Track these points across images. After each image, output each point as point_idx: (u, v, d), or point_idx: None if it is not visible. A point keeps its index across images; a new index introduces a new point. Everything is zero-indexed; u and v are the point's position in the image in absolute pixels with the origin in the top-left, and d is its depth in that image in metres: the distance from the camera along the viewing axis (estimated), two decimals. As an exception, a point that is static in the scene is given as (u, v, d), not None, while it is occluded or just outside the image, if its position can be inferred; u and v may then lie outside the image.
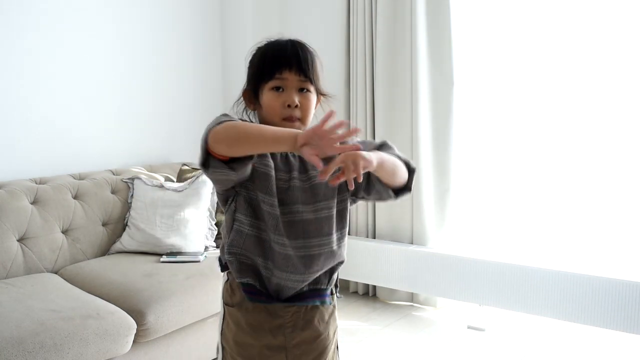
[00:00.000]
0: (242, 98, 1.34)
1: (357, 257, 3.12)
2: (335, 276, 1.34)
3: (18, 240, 2.40)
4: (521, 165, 2.95)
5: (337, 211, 1.29)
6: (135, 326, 2.03)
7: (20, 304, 1.96)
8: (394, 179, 1.23)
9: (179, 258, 2.52)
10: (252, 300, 1.27)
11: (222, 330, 1.36)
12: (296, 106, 1.22)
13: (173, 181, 2.97)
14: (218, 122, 1.16)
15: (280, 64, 1.22)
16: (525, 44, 2.85)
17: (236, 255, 1.26)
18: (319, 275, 1.29)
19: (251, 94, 1.29)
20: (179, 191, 2.74)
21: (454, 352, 2.66)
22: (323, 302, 1.32)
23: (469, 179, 3.04)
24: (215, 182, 1.29)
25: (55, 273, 2.44)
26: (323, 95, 1.31)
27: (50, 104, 2.78)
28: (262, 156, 1.23)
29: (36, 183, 2.60)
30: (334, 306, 1.37)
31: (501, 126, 2.98)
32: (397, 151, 1.29)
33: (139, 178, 2.80)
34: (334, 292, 1.37)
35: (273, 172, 1.24)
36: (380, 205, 3.17)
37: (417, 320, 3.02)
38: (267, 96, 1.24)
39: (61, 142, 2.83)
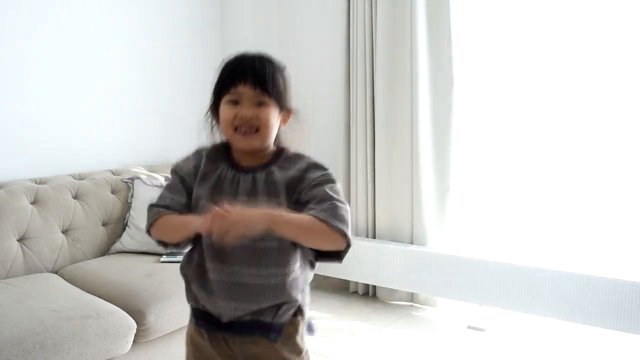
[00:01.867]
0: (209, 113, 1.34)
1: (357, 257, 3.11)
2: (284, 316, 1.26)
3: (18, 240, 2.40)
4: (521, 165, 2.95)
5: (270, 247, 1.22)
6: (135, 326, 2.03)
7: (20, 304, 1.96)
8: (313, 243, 1.21)
9: (179, 258, 2.50)
10: (198, 324, 1.32)
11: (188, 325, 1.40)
12: (251, 119, 1.21)
13: (173, 181, 2.96)
14: (151, 215, 1.28)
15: (235, 78, 1.22)
16: (525, 43, 2.85)
17: (183, 276, 1.34)
18: (263, 307, 1.23)
19: (213, 108, 1.30)
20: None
21: (454, 352, 2.65)
22: (267, 337, 1.26)
23: (469, 179, 3.04)
24: None
25: (55, 273, 2.44)
26: (286, 110, 1.28)
27: (50, 104, 2.78)
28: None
29: (36, 183, 2.60)
30: (297, 330, 1.30)
31: (501, 126, 2.98)
32: (335, 200, 1.20)
33: (139, 178, 2.80)
34: (299, 322, 1.30)
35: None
36: (380, 205, 3.17)
37: (417, 320, 3.01)
38: (223, 109, 1.25)
39: (61, 142, 2.83)
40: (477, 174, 3.05)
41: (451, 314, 3.07)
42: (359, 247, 3.12)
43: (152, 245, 2.60)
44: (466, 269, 2.80)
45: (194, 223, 1.14)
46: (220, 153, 1.30)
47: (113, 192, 2.77)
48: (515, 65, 2.89)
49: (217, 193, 1.24)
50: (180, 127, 3.41)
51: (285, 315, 1.27)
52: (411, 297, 3.21)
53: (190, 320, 1.36)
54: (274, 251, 1.22)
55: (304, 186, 1.23)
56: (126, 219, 2.72)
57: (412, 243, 3.09)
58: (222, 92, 1.25)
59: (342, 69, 3.26)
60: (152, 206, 1.29)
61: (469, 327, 2.89)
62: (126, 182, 2.81)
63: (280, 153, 1.29)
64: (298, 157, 1.29)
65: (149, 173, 2.97)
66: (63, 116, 2.83)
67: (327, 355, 2.54)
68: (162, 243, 1.29)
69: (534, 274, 2.62)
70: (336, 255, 1.24)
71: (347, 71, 3.27)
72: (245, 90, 1.21)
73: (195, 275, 1.28)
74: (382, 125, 3.10)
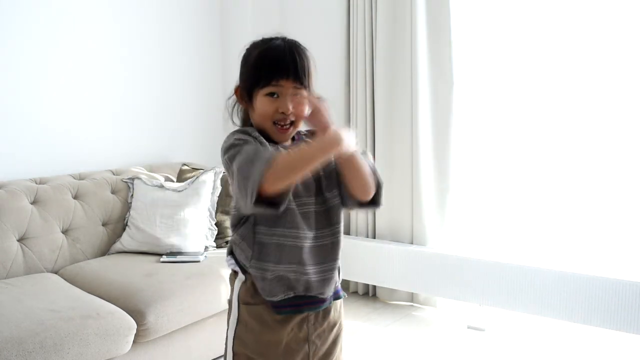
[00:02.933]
0: (233, 95, 1.34)
1: (357, 257, 3.12)
2: (340, 271, 1.39)
3: (18, 240, 2.40)
4: (521, 165, 2.95)
5: (334, 205, 1.33)
6: (135, 326, 2.03)
7: (20, 304, 1.96)
8: (360, 182, 1.27)
9: (179, 258, 2.52)
10: (280, 313, 1.29)
11: (235, 334, 1.33)
12: (291, 114, 1.24)
13: (173, 181, 2.97)
14: (264, 161, 1.12)
15: (277, 72, 1.23)
16: (525, 44, 2.85)
17: (261, 270, 1.27)
18: (335, 272, 1.34)
19: (244, 94, 1.30)
20: (179, 191, 2.74)
21: (454, 352, 2.66)
22: (339, 298, 1.38)
23: (468, 179, 3.04)
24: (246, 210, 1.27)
25: (55, 273, 2.44)
26: (315, 96, 1.30)
27: (50, 104, 2.78)
28: None
29: (36, 183, 2.60)
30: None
31: (501, 126, 2.98)
32: (371, 161, 1.33)
33: (139, 178, 2.80)
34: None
35: None
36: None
37: (417, 320, 3.01)
38: (262, 101, 1.25)
39: (61, 142, 2.83)
40: (477, 174, 3.06)
41: (451, 314, 3.07)
42: (359, 247, 3.12)
43: (152, 245, 2.62)
44: (466, 269, 2.80)
45: (331, 142, 1.15)
46: (254, 132, 1.28)
47: (113, 192, 2.77)
48: (515, 66, 2.89)
49: None
50: (180, 127, 3.41)
51: (341, 274, 1.38)
52: (411, 297, 3.21)
53: (243, 326, 1.33)
54: (336, 209, 1.33)
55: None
56: (126, 219, 2.72)
57: (412, 243, 3.09)
58: (257, 83, 1.24)
59: (342, 69, 3.26)
60: (257, 155, 1.16)
61: (468, 327, 2.89)
62: (126, 182, 2.81)
63: (298, 133, 1.35)
64: (312, 133, 1.35)
65: (149, 173, 2.97)
66: (63, 116, 2.83)
67: (327, 355, 2.54)
68: (277, 197, 1.15)
69: (534, 274, 2.62)
70: (375, 202, 1.33)
71: (347, 71, 3.27)
72: (286, 84, 1.23)
73: (282, 257, 1.27)
74: (382, 125, 3.10)
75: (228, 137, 1.27)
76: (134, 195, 2.75)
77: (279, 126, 1.26)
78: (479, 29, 2.95)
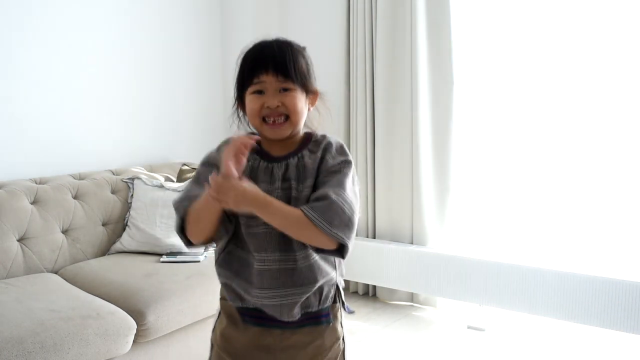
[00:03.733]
0: (236, 105, 1.32)
1: (357, 257, 3.11)
2: (329, 295, 1.29)
3: (18, 240, 2.40)
4: (521, 165, 2.95)
5: None
6: (135, 326, 2.03)
7: (20, 304, 1.96)
8: (300, 238, 1.18)
9: (179, 258, 2.52)
10: (242, 319, 1.26)
11: (214, 327, 1.37)
12: (278, 107, 1.20)
13: (173, 181, 2.97)
14: (179, 218, 1.23)
15: (257, 68, 1.20)
16: (525, 44, 2.85)
17: (220, 276, 1.28)
18: (308, 298, 1.23)
19: (238, 100, 1.29)
20: (179, 191, 2.74)
21: (454, 352, 2.66)
22: (320, 324, 1.29)
23: (469, 179, 3.04)
24: None
25: (55, 273, 2.44)
26: (312, 92, 1.26)
27: (50, 104, 2.78)
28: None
29: (36, 183, 2.60)
30: (336, 317, 1.34)
31: (501, 126, 2.98)
32: (339, 195, 1.17)
33: (139, 178, 2.80)
34: (339, 307, 1.34)
35: None
36: (380, 205, 3.17)
37: (417, 320, 3.01)
38: (249, 100, 1.23)
39: (61, 142, 2.83)
40: (477, 174, 3.06)
41: (451, 314, 3.07)
42: (359, 247, 3.12)
43: (152, 245, 2.62)
44: (466, 269, 2.80)
45: (206, 198, 1.13)
46: (216, 160, 1.27)
47: (113, 192, 2.77)
48: (515, 66, 2.89)
49: (270, 181, 1.23)
50: (180, 127, 3.41)
51: (329, 298, 1.28)
52: (411, 297, 3.21)
53: (220, 320, 1.34)
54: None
55: (323, 169, 1.22)
56: (126, 219, 2.72)
57: (412, 243, 3.09)
58: (245, 84, 1.23)
59: (342, 69, 3.26)
60: (178, 203, 1.24)
61: (469, 327, 2.89)
62: (126, 182, 2.81)
63: (309, 137, 1.28)
64: (324, 138, 1.28)
65: (149, 173, 2.97)
66: (63, 116, 2.83)
67: (327, 355, 2.54)
68: (199, 243, 1.23)
69: (534, 274, 2.62)
70: (336, 251, 1.20)
71: (347, 71, 3.27)
72: (268, 79, 1.19)
73: (238, 271, 1.24)
74: (382, 125, 3.10)
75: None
76: (134, 195, 2.75)
77: (270, 122, 1.22)
78: (479, 29, 2.95)
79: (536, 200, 2.93)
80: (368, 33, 3.10)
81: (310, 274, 1.22)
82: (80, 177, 2.77)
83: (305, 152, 1.25)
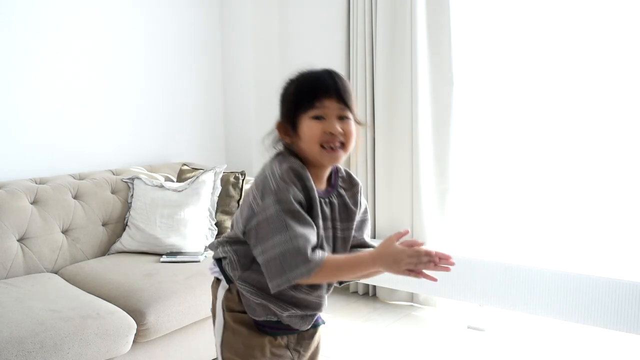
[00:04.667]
0: (275, 131, 1.31)
1: (357, 257, 3.11)
2: None
3: (18, 240, 2.40)
4: (521, 165, 2.95)
5: None
6: (135, 326, 2.03)
7: (20, 304, 1.96)
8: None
9: (179, 258, 2.52)
10: (259, 329, 1.32)
11: (223, 341, 1.34)
12: (340, 134, 1.22)
13: (173, 181, 2.97)
14: (313, 265, 1.16)
15: (319, 93, 1.22)
16: (525, 43, 2.85)
17: (249, 293, 1.29)
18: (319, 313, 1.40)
19: (287, 127, 1.27)
20: (179, 191, 2.74)
21: (454, 352, 2.66)
22: (319, 325, 1.44)
23: (468, 179, 3.04)
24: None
25: (55, 273, 2.44)
26: (359, 123, 1.29)
27: (50, 104, 2.78)
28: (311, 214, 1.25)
29: (36, 183, 2.60)
30: None
31: (501, 126, 2.98)
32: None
33: (139, 178, 2.80)
34: None
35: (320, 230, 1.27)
36: (380, 205, 3.17)
37: (417, 320, 3.01)
38: (307, 125, 1.22)
39: (61, 142, 2.83)
40: (477, 174, 3.06)
41: (451, 314, 3.07)
42: (359, 247, 3.11)
43: (152, 245, 2.62)
44: (466, 269, 2.80)
45: (374, 264, 1.16)
46: (306, 176, 1.25)
47: (113, 192, 2.77)
48: (514, 66, 2.89)
49: (323, 219, 1.27)
50: (180, 127, 3.41)
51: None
52: (411, 297, 3.21)
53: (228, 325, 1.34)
54: None
55: (360, 211, 1.37)
56: (126, 219, 2.72)
57: (412, 243, 3.08)
58: (301, 108, 1.23)
59: (342, 69, 3.26)
60: (301, 250, 1.16)
61: (468, 327, 2.89)
62: (126, 182, 2.81)
63: (334, 170, 1.35)
64: (350, 177, 1.37)
65: (149, 173, 2.97)
66: (63, 116, 2.83)
67: (327, 355, 2.54)
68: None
69: (534, 274, 2.62)
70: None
71: (347, 71, 3.27)
72: (330, 105, 1.22)
73: (279, 294, 1.27)
74: (382, 125, 3.10)
75: (270, 174, 1.22)
76: (134, 195, 2.75)
77: (328, 148, 1.23)
78: (479, 28, 2.95)
79: (536, 200, 2.93)
80: (368, 33, 3.10)
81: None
82: (80, 177, 2.77)
83: (341, 191, 1.33)
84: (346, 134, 1.23)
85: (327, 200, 1.29)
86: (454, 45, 2.88)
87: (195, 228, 2.69)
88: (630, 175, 2.66)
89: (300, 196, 1.21)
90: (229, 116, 3.63)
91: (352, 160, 3.24)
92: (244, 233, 1.26)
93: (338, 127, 1.22)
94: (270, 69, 3.56)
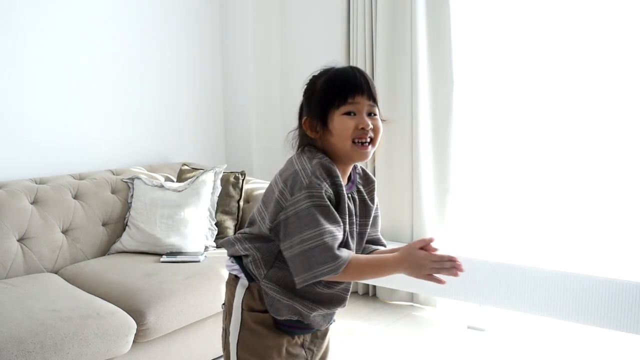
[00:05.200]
0: (301, 127, 1.33)
1: (357, 257, 3.11)
2: None
3: (18, 240, 2.40)
4: (521, 166, 2.95)
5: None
6: (135, 326, 2.03)
7: (20, 304, 1.96)
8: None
9: (179, 258, 2.52)
10: (279, 327, 1.33)
11: (239, 340, 1.33)
12: (371, 129, 1.27)
13: (173, 181, 2.97)
14: (339, 264, 1.18)
15: (352, 89, 1.25)
16: (525, 44, 2.85)
17: (275, 292, 1.30)
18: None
19: (316, 122, 1.28)
20: (179, 191, 2.74)
21: (454, 352, 2.66)
22: (331, 323, 1.48)
23: (468, 179, 3.04)
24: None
25: (55, 273, 2.44)
26: (383, 120, 1.34)
27: (50, 104, 2.78)
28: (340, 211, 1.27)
29: (36, 183, 2.60)
30: None
31: (501, 127, 2.98)
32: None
33: (138, 178, 2.80)
34: None
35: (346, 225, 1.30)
36: (380, 206, 3.15)
37: (417, 320, 3.01)
38: (339, 121, 1.26)
39: (61, 142, 2.83)
40: (477, 175, 3.06)
41: (451, 314, 3.07)
42: (359, 247, 3.11)
43: (152, 245, 2.62)
44: (466, 269, 2.77)
45: (397, 268, 1.24)
46: (335, 172, 1.27)
47: (113, 192, 2.77)
48: (515, 67, 2.89)
49: (349, 215, 1.29)
50: (180, 127, 3.41)
51: None
52: (411, 297, 3.21)
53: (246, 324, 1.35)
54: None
55: (375, 207, 1.43)
56: (126, 218, 2.72)
57: (412, 243, 3.08)
58: (333, 105, 1.26)
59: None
60: (330, 247, 1.18)
61: (469, 327, 2.89)
62: (126, 182, 2.81)
63: (354, 169, 1.38)
64: (366, 174, 1.41)
65: (149, 173, 2.97)
66: (63, 116, 2.83)
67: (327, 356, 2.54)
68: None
69: (534, 274, 2.62)
70: None
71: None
72: (362, 101, 1.26)
73: (304, 293, 1.30)
74: (381, 126, 3.09)
75: (301, 169, 1.24)
76: (134, 195, 2.75)
77: (359, 144, 1.26)
78: (479, 29, 2.95)
79: (536, 200, 2.93)
80: (368, 33, 3.10)
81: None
82: (80, 177, 2.77)
83: (360, 187, 1.37)
84: (375, 130, 1.28)
85: (350, 196, 1.32)
86: (454, 45, 2.88)
87: (195, 228, 2.69)
88: (630, 175, 2.66)
89: (330, 192, 1.23)
90: (229, 116, 3.63)
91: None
92: (270, 230, 1.27)
93: (369, 122, 1.26)
94: (270, 70, 3.56)
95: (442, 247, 3.04)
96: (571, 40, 2.72)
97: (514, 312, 2.84)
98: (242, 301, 1.33)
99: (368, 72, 3.11)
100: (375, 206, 1.42)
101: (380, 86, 3.07)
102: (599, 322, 2.48)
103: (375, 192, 1.41)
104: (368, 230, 1.40)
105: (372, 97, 1.27)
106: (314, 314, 1.32)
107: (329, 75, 1.28)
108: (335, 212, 1.23)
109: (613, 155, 2.69)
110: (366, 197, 1.37)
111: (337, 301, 1.36)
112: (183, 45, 3.39)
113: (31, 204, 2.48)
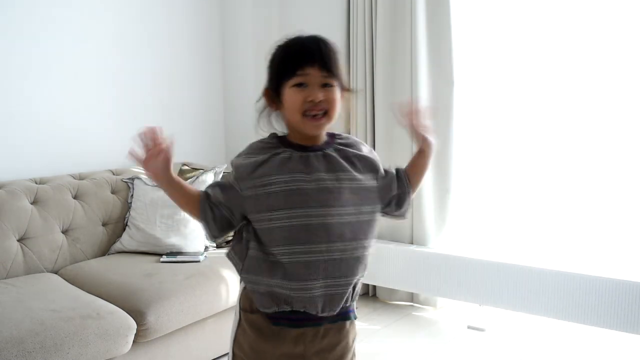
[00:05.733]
0: (262, 98, 1.29)
1: (357, 257, 3.11)
2: (357, 290, 1.31)
3: (18, 240, 2.40)
4: (522, 166, 2.95)
5: (368, 220, 1.30)
6: (135, 326, 2.03)
7: (20, 304, 1.96)
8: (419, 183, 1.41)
9: (179, 258, 2.52)
10: (276, 324, 1.25)
11: (235, 337, 1.33)
12: (320, 102, 1.19)
13: (173, 181, 2.96)
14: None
15: (302, 60, 1.18)
16: (525, 43, 2.84)
17: (253, 284, 1.25)
18: (348, 289, 1.25)
19: (272, 94, 1.25)
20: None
21: (454, 352, 2.65)
22: (348, 319, 1.30)
23: (469, 179, 3.04)
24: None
25: (55, 273, 2.44)
26: (347, 90, 1.27)
27: (50, 104, 2.78)
28: (262, 177, 1.21)
29: (36, 183, 2.60)
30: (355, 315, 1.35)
31: (501, 126, 2.98)
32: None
33: (138, 178, 2.80)
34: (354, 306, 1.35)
35: (283, 186, 1.21)
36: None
37: (417, 321, 3.01)
38: (289, 93, 1.20)
39: (61, 142, 2.83)
40: (478, 174, 3.05)
41: (451, 314, 3.07)
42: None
43: (152, 245, 2.62)
44: (466, 269, 2.80)
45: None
46: (276, 143, 1.25)
47: (113, 192, 2.77)
48: (515, 66, 2.88)
49: (285, 170, 1.20)
50: (180, 126, 3.41)
51: (357, 294, 1.31)
52: (411, 297, 3.21)
53: (243, 330, 1.30)
54: (372, 222, 1.31)
55: (390, 180, 1.36)
56: (126, 219, 2.72)
57: (412, 243, 3.08)
58: (284, 76, 1.20)
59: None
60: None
61: (469, 327, 2.89)
62: (126, 182, 2.81)
63: (332, 136, 1.31)
64: (356, 140, 1.34)
65: (149, 173, 2.96)
66: (63, 116, 2.83)
67: (327, 355, 2.54)
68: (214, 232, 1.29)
69: (534, 274, 2.62)
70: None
71: (347, 71, 3.26)
72: (313, 72, 1.18)
73: (272, 272, 1.21)
74: (382, 125, 3.10)
75: (240, 154, 1.29)
76: (134, 195, 2.75)
77: (309, 117, 1.20)
78: (479, 27, 2.95)
79: (536, 200, 2.92)
80: (368, 33, 3.10)
81: (358, 266, 1.25)
82: (80, 177, 2.77)
83: (340, 147, 1.28)
84: (329, 101, 1.20)
85: (318, 153, 1.24)
86: (454, 44, 2.88)
87: (195, 228, 2.68)
88: (632, 175, 2.66)
89: (250, 161, 1.24)
90: (229, 116, 3.63)
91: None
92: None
93: (320, 95, 1.19)
94: (270, 69, 3.56)
95: (439, 246, 3.03)
96: (572, 39, 2.72)
97: (514, 312, 2.83)
98: (240, 300, 1.33)
99: (368, 72, 3.11)
100: (379, 168, 1.34)
101: (380, 86, 3.07)
102: (599, 323, 2.48)
103: (365, 152, 1.32)
104: (367, 185, 1.29)
105: (327, 68, 1.19)
106: (297, 293, 1.20)
107: (285, 45, 1.22)
108: (224, 189, 1.26)
109: (615, 154, 2.69)
110: (351, 153, 1.28)
111: (307, 269, 1.19)
112: (183, 46, 3.39)
113: (31, 204, 2.48)
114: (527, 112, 2.89)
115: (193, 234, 2.67)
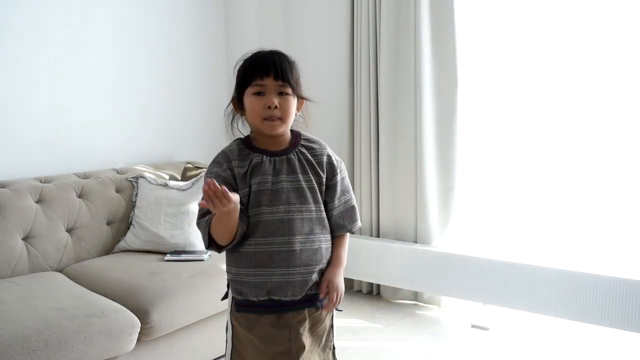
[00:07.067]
0: (231, 105, 1.49)
1: (361, 255, 3.11)
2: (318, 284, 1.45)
3: (23, 239, 2.41)
4: (526, 164, 2.94)
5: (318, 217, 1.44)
6: (140, 325, 2.04)
7: (25, 303, 1.97)
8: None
9: (183, 257, 2.53)
10: (248, 311, 1.42)
11: (232, 327, 1.50)
12: (275, 107, 1.37)
13: (177, 180, 2.97)
14: (205, 233, 1.40)
15: (259, 71, 1.38)
16: (529, 42, 2.84)
17: (231, 273, 1.43)
18: (313, 276, 1.41)
19: (237, 101, 1.45)
20: (183, 190, 2.74)
21: (458, 351, 2.65)
22: (314, 305, 1.45)
23: (473, 178, 3.03)
24: None
25: (60, 272, 2.45)
26: (303, 98, 1.45)
27: (55, 103, 2.78)
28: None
29: (41, 182, 2.61)
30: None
31: (505, 125, 2.97)
32: (352, 198, 1.53)
33: (143, 177, 2.80)
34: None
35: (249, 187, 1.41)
36: (384, 204, 3.16)
37: (421, 319, 3.01)
38: (250, 101, 1.40)
39: (66, 141, 2.84)
40: (481, 173, 3.05)
41: (455, 313, 3.06)
42: (363, 246, 3.12)
43: (156, 244, 2.63)
44: (470, 267, 2.79)
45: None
46: (245, 149, 1.44)
47: (118, 190, 2.78)
48: (519, 65, 2.88)
49: (256, 174, 1.39)
50: (184, 126, 3.42)
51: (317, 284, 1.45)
52: (415, 296, 3.20)
53: (233, 311, 1.47)
54: (323, 220, 1.44)
55: (335, 176, 1.47)
56: (130, 217, 2.73)
57: (416, 242, 3.08)
58: (245, 85, 1.40)
59: (346, 69, 3.25)
60: (198, 220, 1.42)
61: (473, 326, 2.89)
62: (131, 180, 2.82)
63: (297, 135, 1.48)
64: (316, 141, 1.50)
65: (153, 172, 2.97)
66: (67, 115, 2.84)
67: (331, 354, 2.54)
68: (223, 247, 1.39)
69: (538, 273, 2.61)
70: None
71: (351, 71, 3.26)
72: (269, 82, 1.37)
73: (249, 261, 1.38)
74: (386, 124, 3.10)
75: (217, 155, 1.45)
76: (138, 194, 2.76)
77: (269, 122, 1.39)
78: (483, 27, 2.94)
79: (540, 199, 2.92)
80: (372, 32, 3.09)
81: (324, 255, 1.44)
82: (85, 176, 2.78)
83: (302, 149, 1.45)
84: (282, 108, 1.38)
85: (282, 158, 1.42)
86: (458, 44, 2.87)
87: (199, 227, 2.69)
88: (635, 174, 2.65)
89: (224, 169, 1.42)
90: (233, 115, 3.63)
91: (356, 158, 3.24)
92: None
93: (275, 101, 1.37)
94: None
95: (443, 245, 3.03)
96: (575, 39, 2.71)
97: (518, 311, 2.83)
98: (231, 292, 1.49)
99: (372, 71, 3.11)
100: (332, 173, 1.48)
101: (384, 85, 3.07)
102: (604, 322, 2.48)
103: (326, 158, 1.47)
104: (307, 186, 1.43)
105: (282, 78, 1.37)
106: (261, 279, 1.37)
107: (247, 59, 1.43)
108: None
109: (617, 154, 2.68)
110: (309, 157, 1.44)
111: (274, 259, 1.37)
112: (187, 45, 3.40)
113: (36, 202, 2.49)
114: (531, 111, 2.89)
115: (197, 233, 2.67)
